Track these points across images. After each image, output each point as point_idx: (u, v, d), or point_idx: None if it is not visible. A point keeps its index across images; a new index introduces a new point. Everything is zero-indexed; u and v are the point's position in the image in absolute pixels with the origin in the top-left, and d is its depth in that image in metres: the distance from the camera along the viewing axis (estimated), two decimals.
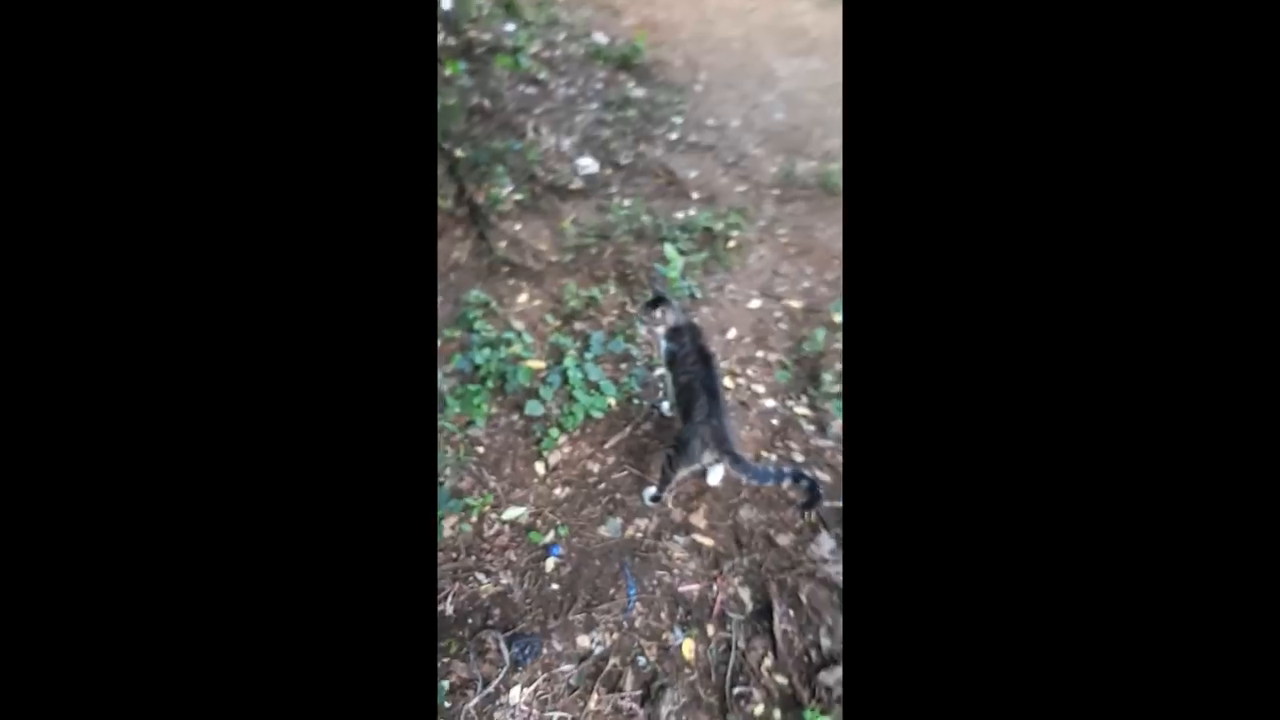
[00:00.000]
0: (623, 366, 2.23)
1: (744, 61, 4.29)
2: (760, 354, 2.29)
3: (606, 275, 2.61)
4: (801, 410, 2.08)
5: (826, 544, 1.68)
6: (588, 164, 3.26)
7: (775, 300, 2.52)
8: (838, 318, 2.38)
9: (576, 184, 3.14)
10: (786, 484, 1.76)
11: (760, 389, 2.16)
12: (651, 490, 1.80)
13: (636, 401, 2.11)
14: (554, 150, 3.32)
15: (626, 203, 3.01)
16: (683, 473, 1.71)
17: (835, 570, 1.63)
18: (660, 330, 1.84)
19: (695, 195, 3.10)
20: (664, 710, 1.39)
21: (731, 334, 2.36)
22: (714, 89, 3.98)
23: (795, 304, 2.49)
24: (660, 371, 1.91)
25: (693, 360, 1.75)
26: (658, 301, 1.85)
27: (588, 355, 2.22)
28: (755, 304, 2.50)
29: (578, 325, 2.38)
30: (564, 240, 2.79)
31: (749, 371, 2.22)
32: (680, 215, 2.95)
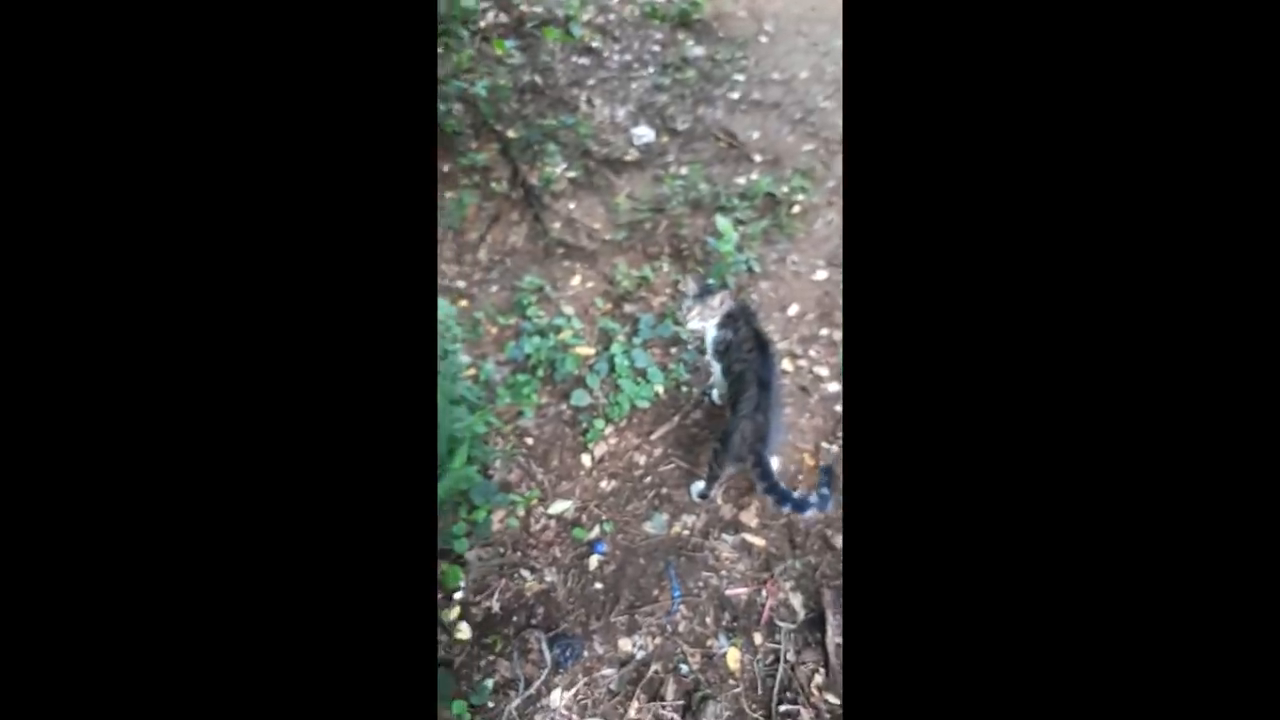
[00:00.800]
0: (672, 351, 2.12)
1: (816, 2, 3.92)
2: (824, 332, 2.10)
3: (660, 251, 2.48)
4: None
5: None
6: (643, 133, 3.11)
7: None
8: None
9: (632, 155, 3.00)
10: (811, 514, 1.57)
11: (823, 371, 1.98)
12: (699, 485, 1.70)
13: (685, 389, 2.01)
14: (608, 121, 3.19)
15: (683, 171, 2.85)
16: (729, 469, 1.60)
17: None
18: (712, 321, 1.69)
19: (758, 158, 2.88)
20: None
21: (793, 310, 2.18)
22: (781, 38, 3.67)
23: None
24: (708, 358, 1.78)
25: (749, 347, 1.61)
26: (709, 291, 1.70)
27: (635, 340, 2.13)
28: (820, 275, 2.30)
29: (628, 308, 2.29)
30: (618, 216, 2.68)
31: (811, 352, 2.04)
32: (741, 180, 2.76)
